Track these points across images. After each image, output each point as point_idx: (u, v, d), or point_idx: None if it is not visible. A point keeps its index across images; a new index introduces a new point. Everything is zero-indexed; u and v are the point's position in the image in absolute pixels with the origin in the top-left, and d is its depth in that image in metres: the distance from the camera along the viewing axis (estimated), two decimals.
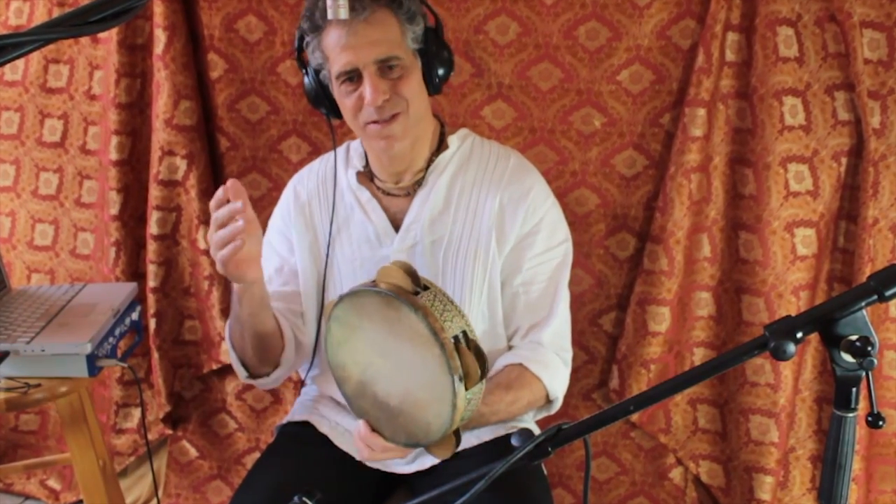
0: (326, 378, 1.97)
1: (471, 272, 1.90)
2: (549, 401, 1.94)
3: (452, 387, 1.42)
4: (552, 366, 1.91)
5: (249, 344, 1.86)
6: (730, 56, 2.29)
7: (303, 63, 1.89)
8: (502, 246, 1.90)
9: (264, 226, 2.13)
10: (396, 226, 1.93)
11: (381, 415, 1.58)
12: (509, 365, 1.88)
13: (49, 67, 2.63)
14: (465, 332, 1.46)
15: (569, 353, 1.98)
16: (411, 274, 1.49)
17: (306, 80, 1.88)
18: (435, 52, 1.83)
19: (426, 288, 1.49)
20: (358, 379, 1.60)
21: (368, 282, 1.52)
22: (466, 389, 1.44)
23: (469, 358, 1.44)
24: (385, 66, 1.76)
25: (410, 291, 1.47)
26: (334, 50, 1.76)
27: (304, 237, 2.00)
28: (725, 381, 2.50)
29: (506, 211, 1.90)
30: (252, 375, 1.95)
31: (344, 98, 1.81)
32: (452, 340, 1.43)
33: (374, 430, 1.61)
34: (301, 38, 1.85)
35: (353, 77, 1.77)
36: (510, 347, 1.96)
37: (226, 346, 2.56)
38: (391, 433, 1.59)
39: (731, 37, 2.27)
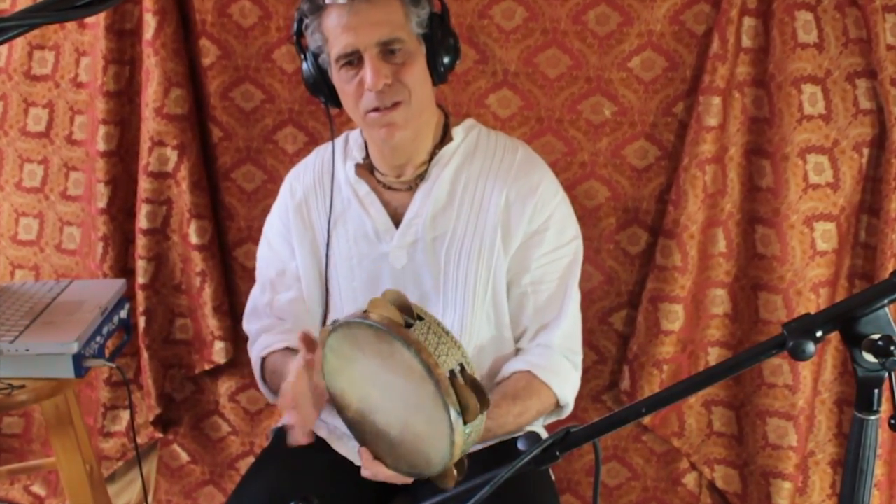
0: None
1: (474, 271, 1.89)
2: (559, 406, 1.94)
3: (450, 423, 1.42)
4: (562, 371, 1.91)
5: None
6: (746, 42, 2.29)
7: (301, 48, 1.88)
8: (508, 244, 1.90)
9: (263, 219, 2.14)
10: (397, 221, 1.93)
11: (382, 444, 1.59)
12: (517, 373, 1.88)
13: (34, 54, 2.62)
14: (461, 366, 1.46)
15: (579, 356, 1.98)
16: (403, 304, 1.48)
17: (305, 65, 1.88)
18: (440, 39, 1.83)
19: (420, 318, 1.48)
20: (357, 408, 1.59)
21: (360, 312, 1.51)
22: (465, 423, 1.44)
23: (466, 392, 1.43)
24: (387, 50, 1.75)
25: (403, 324, 1.46)
26: (334, 31, 1.76)
27: (304, 237, 2.00)
28: (741, 382, 2.50)
29: (512, 207, 1.90)
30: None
31: (344, 84, 1.81)
32: (448, 375, 1.43)
33: (376, 457, 1.61)
34: (300, 21, 1.85)
35: (353, 60, 1.77)
36: (517, 350, 1.96)
37: (219, 345, 2.59)
38: (393, 462, 1.59)
39: (748, 22, 2.27)
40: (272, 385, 1.98)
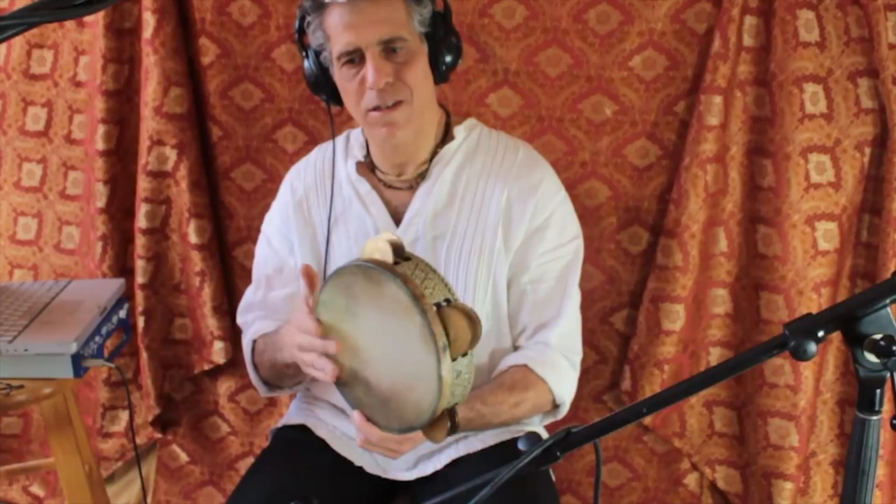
0: (323, 381, 1.98)
1: (475, 270, 1.89)
2: (555, 405, 1.94)
3: (437, 355, 1.43)
4: (559, 368, 1.91)
5: (282, 374, 1.90)
6: (747, 41, 2.29)
7: (303, 46, 1.89)
8: (509, 243, 1.90)
9: (263, 219, 2.14)
10: (398, 220, 1.93)
11: (374, 402, 1.60)
12: (513, 366, 1.88)
13: (32, 52, 2.62)
14: (448, 300, 1.48)
15: (578, 356, 1.98)
16: (395, 246, 1.51)
17: (306, 63, 1.88)
18: (442, 38, 1.83)
19: (408, 259, 1.51)
20: (349, 367, 1.61)
21: (352, 260, 1.54)
22: (453, 358, 1.45)
23: (455, 318, 1.45)
24: (389, 48, 1.76)
25: (391, 262, 1.49)
26: (336, 29, 1.76)
27: (304, 235, 2.00)
28: (743, 382, 2.50)
29: (513, 206, 1.90)
30: (272, 389, 2.00)
31: (346, 82, 1.81)
32: (434, 307, 1.45)
33: (368, 420, 1.62)
34: (302, 19, 1.85)
35: (354, 58, 1.77)
36: (516, 348, 1.96)
37: (218, 345, 2.59)
38: (385, 421, 1.60)
39: (749, 20, 2.27)
40: (261, 364, 1.97)
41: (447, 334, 1.44)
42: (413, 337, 1.46)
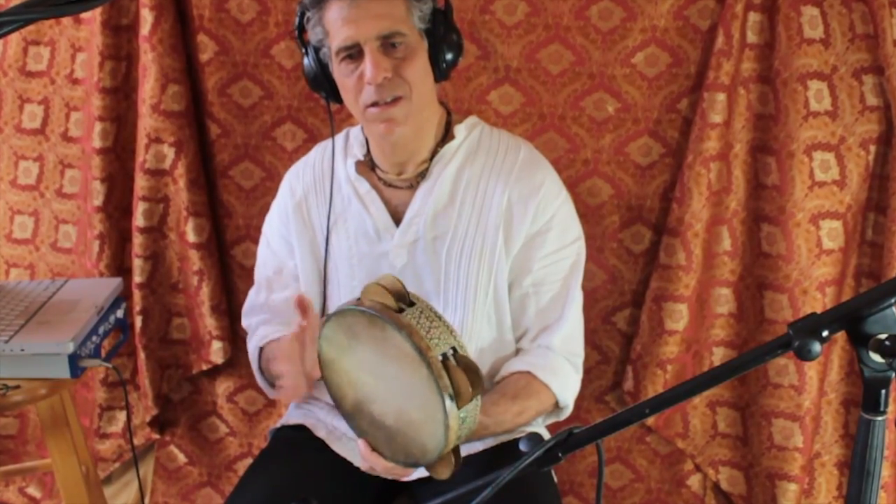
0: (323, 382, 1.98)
1: (476, 272, 1.89)
2: (558, 408, 1.94)
3: (443, 407, 1.43)
4: (562, 372, 1.91)
5: None
6: (751, 37, 2.28)
7: (303, 42, 1.89)
8: (510, 245, 1.90)
9: (262, 217, 2.14)
10: (397, 220, 1.93)
11: (379, 434, 1.60)
12: (516, 373, 1.88)
13: (29, 49, 2.62)
14: (454, 349, 1.47)
15: (580, 358, 1.98)
16: (397, 289, 1.50)
17: (306, 60, 1.88)
18: (443, 35, 1.83)
19: (412, 304, 1.50)
20: (354, 398, 1.61)
21: (353, 300, 1.54)
22: (459, 408, 1.45)
23: (459, 375, 1.44)
24: (388, 44, 1.76)
25: (395, 308, 1.48)
26: (335, 24, 1.77)
27: (303, 236, 2.00)
28: (747, 382, 2.50)
29: (514, 207, 1.89)
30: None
31: (344, 78, 1.81)
32: (440, 358, 1.44)
33: (374, 449, 1.62)
34: (302, 15, 1.85)
35: (353, 54, 1.77)
36: (517, 350, 1.96)
37: (216, 345, 2.59)
38: (391, 453, 1.60)
39: (753, 17, 2.27)
40: (268, 374, 1.98)
41: (453, 386, 1.44)
42: (419, 386, 1.46)
